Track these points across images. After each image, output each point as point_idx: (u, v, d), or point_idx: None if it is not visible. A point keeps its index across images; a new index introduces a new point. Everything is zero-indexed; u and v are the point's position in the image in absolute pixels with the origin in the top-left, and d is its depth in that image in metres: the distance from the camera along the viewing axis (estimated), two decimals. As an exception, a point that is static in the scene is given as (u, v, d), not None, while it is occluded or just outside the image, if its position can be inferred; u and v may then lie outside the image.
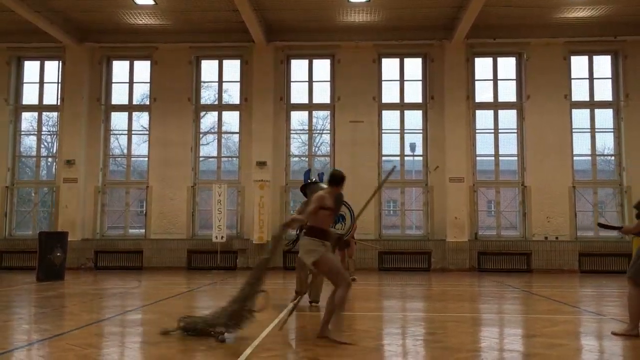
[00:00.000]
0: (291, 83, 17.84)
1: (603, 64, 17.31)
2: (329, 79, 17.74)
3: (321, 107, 17.99)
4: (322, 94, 17.84)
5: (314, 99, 17.85)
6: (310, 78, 17.89)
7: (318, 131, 18.60)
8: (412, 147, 18.25)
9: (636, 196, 16.23)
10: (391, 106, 17.66)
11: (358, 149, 17.11)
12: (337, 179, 6.01)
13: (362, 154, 17.10)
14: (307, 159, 18.09)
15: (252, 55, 17.34)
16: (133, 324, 6.93)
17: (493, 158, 17.42)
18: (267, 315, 7.48)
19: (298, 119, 18.09)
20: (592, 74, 17.27)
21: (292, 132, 17.92)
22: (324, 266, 5.73)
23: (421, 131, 17.53)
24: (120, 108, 18.13)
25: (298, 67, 17.98)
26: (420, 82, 17.61)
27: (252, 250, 16.49)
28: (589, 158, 17.16)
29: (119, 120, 18.21)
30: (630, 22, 16.10)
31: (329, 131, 17.92)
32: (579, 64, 17.29)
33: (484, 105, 17.46)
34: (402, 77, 17.72)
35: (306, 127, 18.07)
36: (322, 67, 17.91)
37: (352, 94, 17.27)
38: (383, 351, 5.37)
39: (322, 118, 18.50)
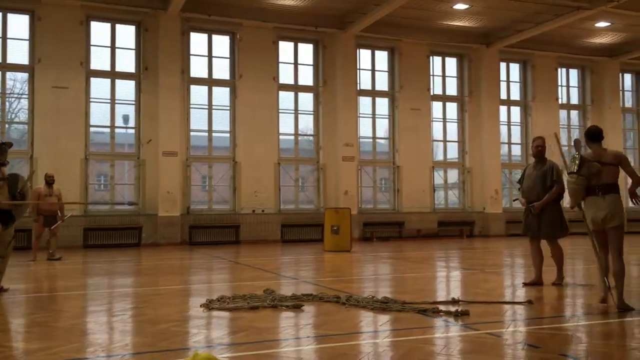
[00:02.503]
0: (-23, 38, 15.47)
1: (307, 51, 18.92)
2: (27, 37, 15.83)
3: (17, 68, 16.01)
4: (19, 54, 15.85)
5: (8, 59, 15.76)
6: (5, 34, 15.75)
7: (15, 95, 16.50)
8: (125, 118, 17.51)
9: (332, 172, 18.33)
10: (101, 74, 16.64)
11: (62, 117, 15.70)
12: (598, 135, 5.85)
13: (67, 124, 15.76)
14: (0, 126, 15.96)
15: None
16: None
17: (207, 134, 17.74)
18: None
19: (-12, 80, 15.83)
20: (297, 60, 18.77)
21: (-21, 94, 15.59)
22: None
23: (134, 102, 16.90)
24: None
25: (-13, 20, 15.65)
26: (134, 51, 16.91)
27: None
28: (293, 137, 18.71)
29: None
30: (329, 15, 17.89)
31: (27, 96, 16.02)
32: (286, 49, 18.61)
33: (199, 81, 17.62)
34: (113, 43, 16.78)
35: (-1, 90, 15.92)
36: (19, 24, 15.88)
37: (56, 57, 15.73)
38: (80, 329, 5.05)
39: (20, 81, 16.43)
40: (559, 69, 21.97)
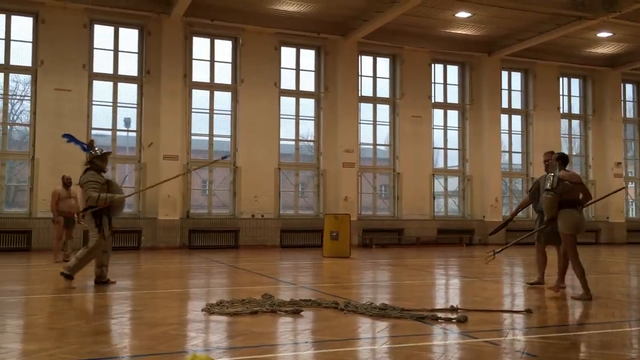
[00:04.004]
0: (-20, 39, 15.50)
1: (309, 57, 18.97)
2: (30, 39, 15.89)
3: (20, 69, 16.06)
4: (22, 56, 15.91)
5: (11, 61, 15.83)
6: (8, 36, 15.81)
7: (17, 97, 16.55)
8: (127, 122, 17.55)
9: (332, 178, 18.33)
10: (103, 77, 16.70)
11: (64, 120, 15.73)
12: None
13: (69, 126, 15.73)
14: (0, 127, 15.96)
15: None
16: None
17: (207, 138, 17.77)
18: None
19: (-9, 81, 15.86)
20: (299, 66, 18.81)
21: (-18, 95, 15.60)
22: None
23: (136, 106, 16.95)
24: None
25: (-9, 22, 15.70)
26: (137, 55, 16.97)
27: None
28: (293, 143, 18.73)
29: None
30: (331, 22, 17.95)
31: (29, 98, 16.07)
32: (288, 55, 18.65)
33: (201, 85, 17.66)
34: (116, 47, 16.85)
35: (1, 92, 15.93)
36: (23, 26, 15.94)
37: (59, 60, 15.79)
38: (78, 331, 5.04)
39: (22, 83, 16.49)
40: (561, 78, 22.01)
